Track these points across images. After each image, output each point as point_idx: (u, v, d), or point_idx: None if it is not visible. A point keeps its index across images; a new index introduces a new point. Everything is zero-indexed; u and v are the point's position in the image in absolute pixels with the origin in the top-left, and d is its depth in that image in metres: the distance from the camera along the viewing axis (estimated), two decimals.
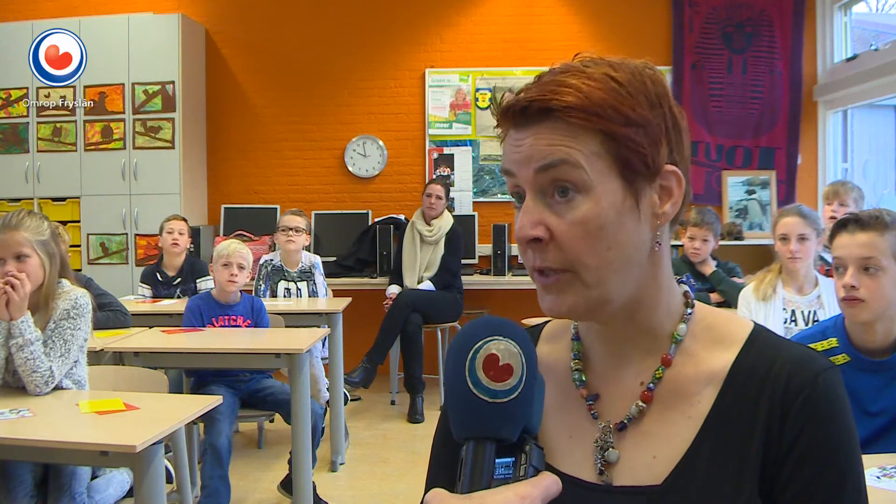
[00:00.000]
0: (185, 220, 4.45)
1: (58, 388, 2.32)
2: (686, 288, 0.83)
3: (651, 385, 0.78)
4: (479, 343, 0.62)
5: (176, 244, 4.32)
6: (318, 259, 4.59)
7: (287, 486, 3.33)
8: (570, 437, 0.80)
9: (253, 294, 4.09)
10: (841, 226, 1.86)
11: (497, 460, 0.60)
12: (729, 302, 3.81)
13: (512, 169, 0.75)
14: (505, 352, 0.62)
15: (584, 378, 0.82)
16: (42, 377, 2.25)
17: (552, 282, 0.74)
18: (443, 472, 0.87)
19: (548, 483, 0.59)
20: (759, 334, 0.79)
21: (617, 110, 0.72)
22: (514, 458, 0.61)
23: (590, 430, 0.79)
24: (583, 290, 0.73)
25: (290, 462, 3.29)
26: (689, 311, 0.81)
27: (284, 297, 4.41)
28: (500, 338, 0.62)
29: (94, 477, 2.30)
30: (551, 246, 0.73)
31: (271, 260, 4.48)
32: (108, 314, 3.41)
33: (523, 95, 0.74)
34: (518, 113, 0.74)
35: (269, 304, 3.87)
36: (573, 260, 0.72)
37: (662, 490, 0.74)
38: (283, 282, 4.43)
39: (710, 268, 3.98)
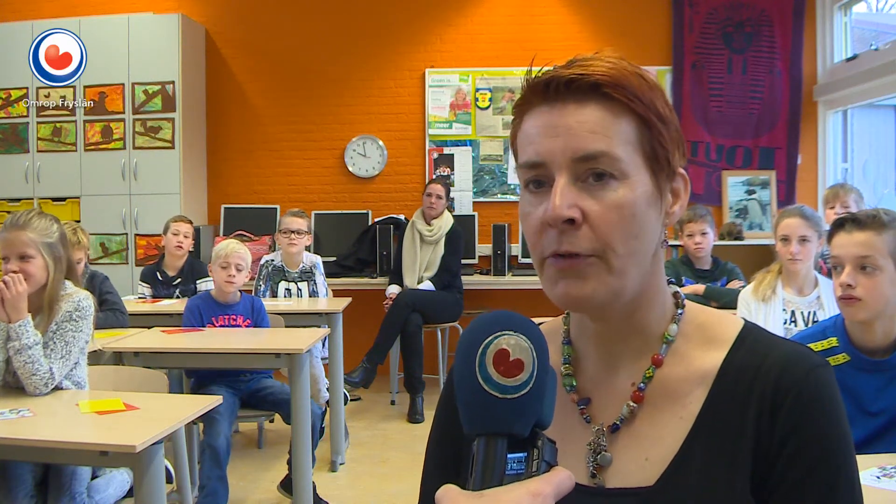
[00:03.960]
0: (190, 222, 4.48)
1: (57, 388, 2.32)
2: (676, 289, 0.83)
3: (642, 385, 0.78)
4: (489, 338, 0.61)
5: (180, 246, 4.34)
6: (318, 259, 4.59)
7: (287, 486, 3.33)
8: (561, 440, 0.79)
9: (253, 294, 4.09)
10: (838, 225, 1.86)
11: (509, 455, 0.59)
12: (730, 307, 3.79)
13: (543, 158, 0.72)
14: (515, 347, 0.61)
15: (574, 383, 0.82)
16: (41, 379, 2.24)
17: (572, 264, 0.72)
18: (439, 471, 0.86)
19: (560, 478, 0.58)
20: (750, 332, 0.78)
21: (652, 101, 0.74)
22: (526, 453, 0.60)
23: (582, 433, 0.79)
24: (606, 277, 0.72)
25: (289, 462, 3.30)
26: (679, 311, 0.81)
27: (285, 297, 4.41)
28: (511, 332, 0.61)
29: (94, 477, 2.30)
30: (583, 229, 0.71)
31: (272, 260, 4.48)
32: (108, 313, 3.43)
33: (566, 70, 0.73)
34: (561, 87, 0.72)
35: (269, 304, 3.87)
36: (604, 244, 0.71)
37: (655, 491, 0.73)
38: (283, 282, 4.43)
39: (699, 288, 3.88)
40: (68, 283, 2.40)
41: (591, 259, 0.72)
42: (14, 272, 2.25)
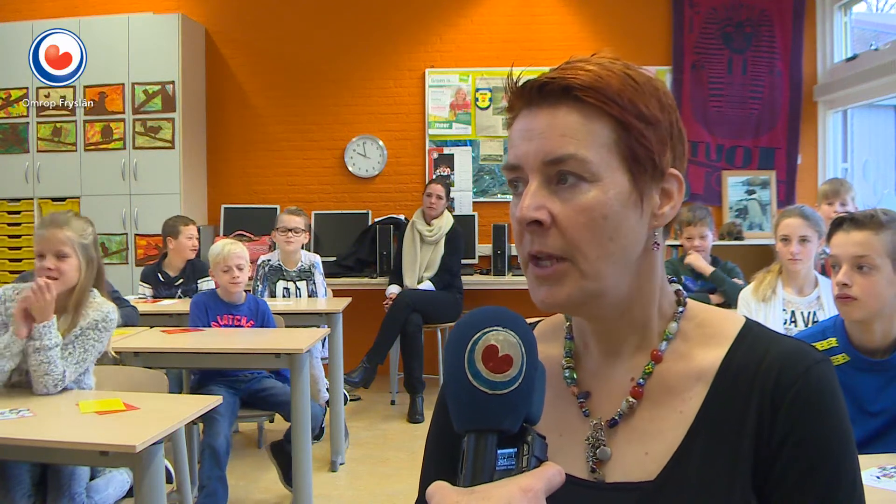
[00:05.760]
0: (195, 222, 4.56)
1: (65, 390, 2.33)
2: (678, 287, 0.83)
3: (641, 381, 0.78)
4: (478, 334, 0.61)
5: (195, 248, 4.41)
6: (318, 258, 4.58)
7: (275, 450, 3.42)
8: (560, 434, 0.80)
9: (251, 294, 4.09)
10: (837, 225, 1.87)
11: (499, 451, 0.60)
12: (729, 303, 3.79)
13: (519, 161, 0.75)
14: (504, 342, 0.61)
15: (574, 376, 0.82)
16: (53, 380, 2.26)
17: (548, 272, 0.73)
18: (436, 471, 0.86)
19: (551, 473, 0.58)
20: (751, 329, 0.79)
21: (632, 102, 0.73)
22: (516, 449, 0.60)
23: (581, 427, 0.80)
24: (580, 280, 0.73)
25: (275, 449, 3.40)
26: (680, 309, 0.81)
27: (283, 296, 4.41)
28: (499, 328, 0.61)
29: (93, 477, 2.30)
30: (552, 231, 0.72)
31: (269, 260, 4.48)
32: (128, 310, 3.51)
33: (542, 75, 0.75)
34: (535, 91, 0.74)
35: (268, 302, 3.87)
36: (573, 247, 0.72)
37: (655, 486, 0.74)
38: (281, 281, 4.43)
39: (707, 267, 3.95)
40: (96, 292, 2.42)
41: (563, 264, 0.73)
42: (49, 269, 2.28)
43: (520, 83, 0.76)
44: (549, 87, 0.74)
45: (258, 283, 4.42)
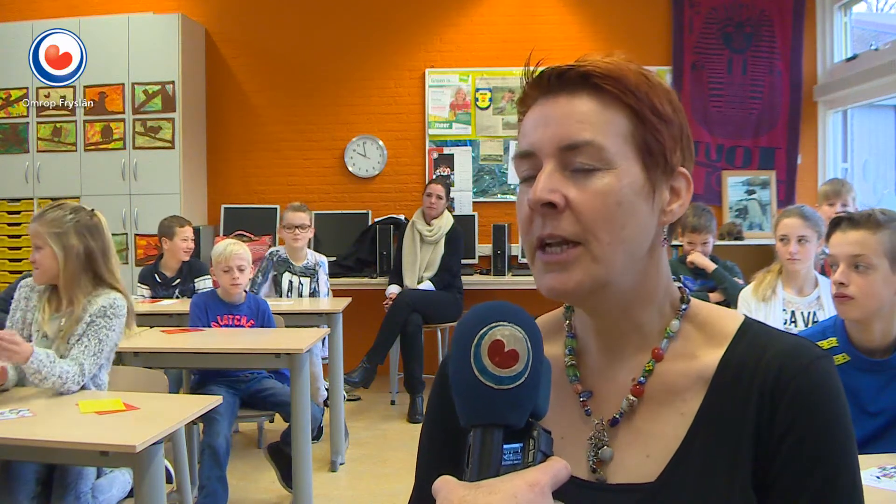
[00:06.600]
0: (191, 223, 4.55)
1: (84, 388, 2.33)
2: (680, 285, 0.84)
3: (642, 379, 0.78)
4: (484, 329, 0.61)
5: (189, 250, 4.41)
6: (324, 259, 4.61)
7: (273, 452, 3.40)
8: (562, 434, 0.79)
9: (251, 286, 4.11)
10: (835, 224, 1.88)
11: (505, 446, 0.60)
12: (729, 302, 3.79)
13: (533, 147, 0.74)
14: (510, 337, 0.61)
15: (577, 374, 0.82)
16: (72, 381, 2.26)
17: (558, 258, 0.73)
18: (432, 463, 0.86)
19: (557, 468, 0.58)
20: (750, 327, 0.78)
21: (648, 97, 0.75)
22: (522, 444, 0.60)
23: (583, 427, 0.80)
24: (590, 265, 0.73)
25: (276, 448, 3.38)
26: (683, 307, 0.81)
27: (288, 289, 4.43)
28: (505, 323, 0.61)
29: (97, 477, 2.30)
30: (566, 215, 0.72)
31: (277, 251, 4.51)
32: None
33: (562, 64, 0.75)
34: (555, 78, 0.75)
35: (269, 302, 3.87)
36: (587, 231, 0.72)
37: (656, 487, 0.74)
38: (287, 273, 4.46)
39: (710, 264, 3.95)
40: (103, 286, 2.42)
41: (576, 249, 0.72)
42: (33, 262, 2.36)
43: (538, 71, 0.77)
44: (569, 75, 0.74)
45: (259, 275, 4.43)
